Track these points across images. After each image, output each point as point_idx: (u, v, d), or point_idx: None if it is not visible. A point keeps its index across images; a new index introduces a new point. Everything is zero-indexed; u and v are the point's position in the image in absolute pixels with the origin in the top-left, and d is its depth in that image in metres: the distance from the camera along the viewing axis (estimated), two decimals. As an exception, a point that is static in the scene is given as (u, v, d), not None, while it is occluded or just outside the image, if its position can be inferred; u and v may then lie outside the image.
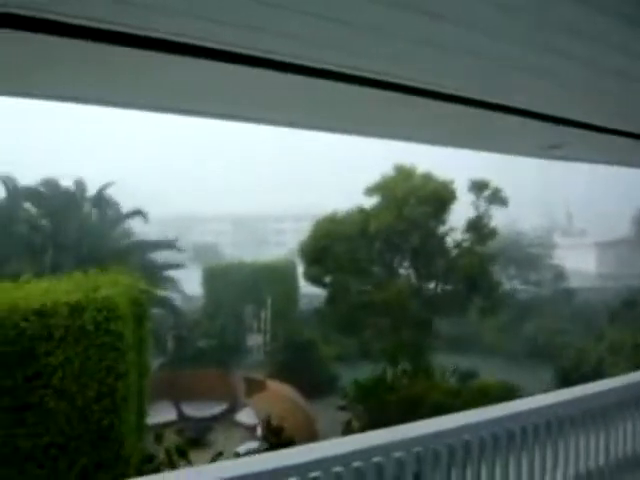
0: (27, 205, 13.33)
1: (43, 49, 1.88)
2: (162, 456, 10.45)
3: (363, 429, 10.40)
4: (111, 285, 7.38)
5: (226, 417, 14.19)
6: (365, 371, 12.89)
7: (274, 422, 11.46)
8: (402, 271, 16.81)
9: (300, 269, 17.34)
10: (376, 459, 2.86)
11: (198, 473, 2.84)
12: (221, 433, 13.49)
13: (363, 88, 2.34)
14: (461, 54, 2.22)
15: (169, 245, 16.53)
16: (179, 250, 16.79)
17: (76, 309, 6.80)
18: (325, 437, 12.38)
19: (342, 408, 12.18)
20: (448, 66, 2.33)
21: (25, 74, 2.15)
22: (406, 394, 11.54)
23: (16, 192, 13.03)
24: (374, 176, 16.70)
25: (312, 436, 11.69)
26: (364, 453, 2.86)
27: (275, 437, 11.36)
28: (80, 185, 14.55)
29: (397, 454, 2.93)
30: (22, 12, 1.63)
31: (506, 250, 20.86)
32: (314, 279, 16.37)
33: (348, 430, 11.08)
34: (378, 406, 11.17)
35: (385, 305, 14.86)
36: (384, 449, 2.91)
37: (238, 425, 13.78)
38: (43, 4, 1.62)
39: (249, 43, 1.96)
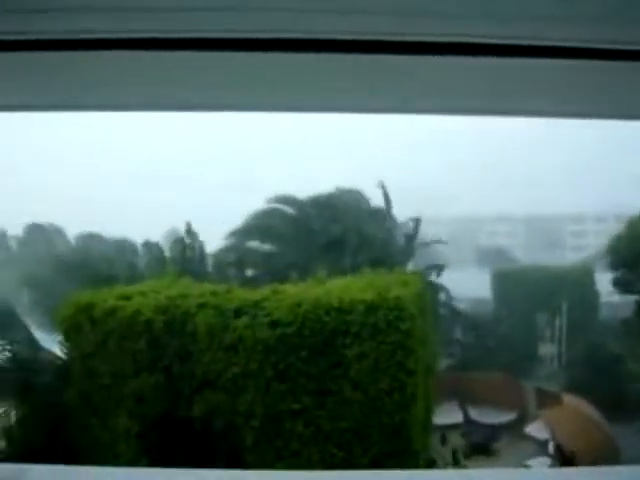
0: (317, 212, 14.67)
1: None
2: (448, 457, 10.48)
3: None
4: (401, 285, 7.66)
5: (514, 427, 13.59)
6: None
7: (569, 440, 10.56)
8: None
9: (602, 275, 15.64)
10: None
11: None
12: (508, 443, 12.96)
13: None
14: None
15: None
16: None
17: (371, 307, 7.24)
18: (629, 464, 10.96)
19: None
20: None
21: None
22: None
23: (304, 204, 14.43)
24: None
25: (613, 462, 10.46)
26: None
27: (569, 456, 10.46)
28: (368, 188, 15.42)
29: None
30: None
31: None
32: (624, 286, 14.55)
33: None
34: None
35: None
36: None
37: (527, 438, 13.09)
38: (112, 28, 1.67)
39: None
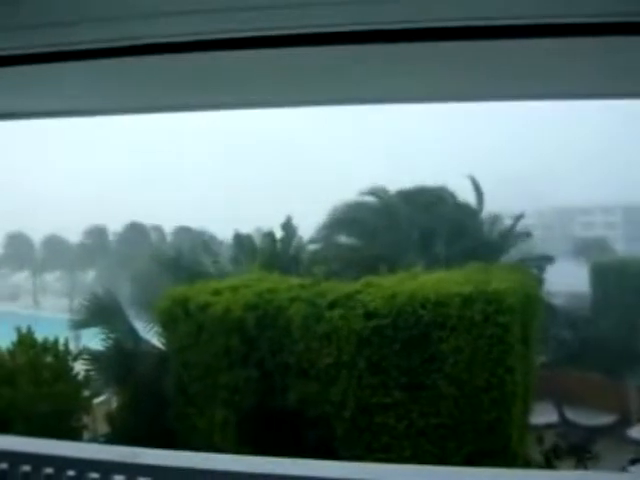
0: (407, 205, 14.45)
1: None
2: (541, 458, 10.08)
3: None
4: (500, 279, 7.43)
5: (615, 430, 12.87)
6: None
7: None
8: None
9: None
10: None
11: None
12: (608, 447, 12.29)
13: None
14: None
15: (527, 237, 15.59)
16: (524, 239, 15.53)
17: (467, 301, 7.06)
18: None
19: None
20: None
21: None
22: None
23: (391, 197, 14.23)
24: None
25: None
26: None
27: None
28: (458, 179, 15.00)
29: None
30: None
31: None
32: None
33: None
34: None
35: None
36: None
37: (630, 441, 12.36)
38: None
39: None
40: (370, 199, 14.14)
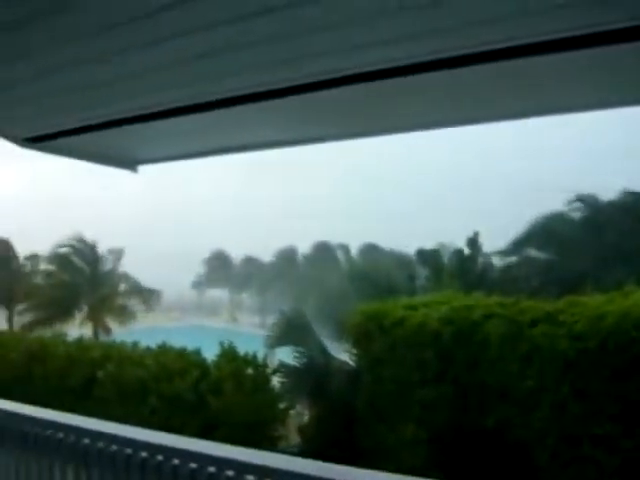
0: (614, 215, 13.05)
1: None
2: None
3: None
4: None
5: None
6: None
7: None
8: None
9: None
10: None
11: None
12: None
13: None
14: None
15: None
16: None
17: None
18: None
19: None
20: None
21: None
22: None
23: (599, 206, 12.94)
24: None
25: None
26: None
27: None
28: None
29: None
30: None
31: None
32: None
33: None
34: None
35: None
36: None
37: None
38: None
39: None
40: (573, 209, 13.09)
